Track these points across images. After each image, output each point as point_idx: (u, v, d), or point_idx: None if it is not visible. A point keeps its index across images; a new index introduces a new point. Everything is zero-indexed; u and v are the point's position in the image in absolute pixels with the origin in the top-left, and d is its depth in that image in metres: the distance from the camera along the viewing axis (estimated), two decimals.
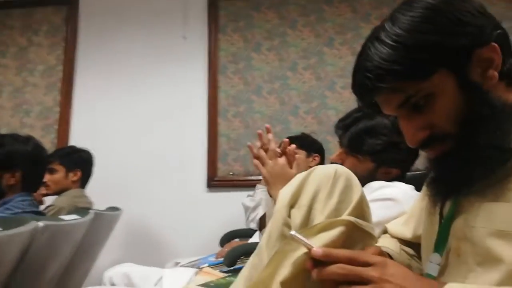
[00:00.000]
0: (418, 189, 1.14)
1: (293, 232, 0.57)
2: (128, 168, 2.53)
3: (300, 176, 0.80)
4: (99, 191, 2.19)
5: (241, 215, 2.18)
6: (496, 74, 0.59)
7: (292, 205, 0.77)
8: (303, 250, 0.64)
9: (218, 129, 2.52)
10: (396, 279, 0.52)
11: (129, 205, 2.32)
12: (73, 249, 1.33)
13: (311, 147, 2.00)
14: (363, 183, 1.02)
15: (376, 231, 0.86)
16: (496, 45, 0.59)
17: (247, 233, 2.02)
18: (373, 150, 1.15)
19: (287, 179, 1.00)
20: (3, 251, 0.84)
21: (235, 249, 1.42)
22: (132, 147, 2.55)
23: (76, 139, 2.47)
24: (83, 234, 1.39)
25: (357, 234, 0.70)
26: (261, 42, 2.58)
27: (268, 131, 1.16)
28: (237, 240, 2.01)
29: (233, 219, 2.33)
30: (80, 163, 2.04)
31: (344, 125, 1.21)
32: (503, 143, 0.56)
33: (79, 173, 2.03)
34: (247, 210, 2.11)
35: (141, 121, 2.58)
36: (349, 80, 2.29)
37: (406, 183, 1.15)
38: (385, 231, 0.94)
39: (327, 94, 2.51)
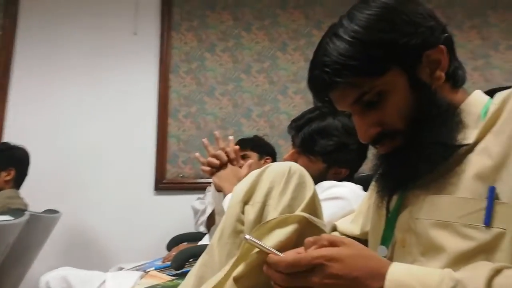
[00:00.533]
0: (365, 189, 1.18)
1: (247, 236, 0.56)
2: (69, 168, 2.38)
3: (254, 173, 0.79)
4: (36, 193, 2.03)
5: (190, 219, 2.13)
6: (443, 75, 0.63)
7: (246, 201, 0.77)
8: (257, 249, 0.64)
9: (168, 130, 2.45)
10: (339, 279, 0.52)
11: (70, 208, 2.19)
12: (4, 252, 1.22)
13: (263, 149, 2.01)
14: (314, 183, 1.05)
15: (327, 229, 0.88)
16: (443, 47, 0.62)
17: (196, 237, 1.97)
18: (325, 151, 1.18)
19: (238, 179, 1.00)
20: None
21: (183, 251, 1.38)
22: (74, 146, 2.40)
23: (11, 136, 2.28)
24: (17, 236, 1.28)
25: (310, 230, 0.71)
26: (215, 42, 2.56)
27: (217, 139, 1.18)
28: (185, 244, 1.96)
29: (181, 223, 2.27)
30: (14, 161, 1.89)
31: (297, 126, 1.24)
32: (447, 140, 0.59)
33: (12, 172, 1.87)
34: (197, 213, 2.07)
35: (86, 119, 2.45)
36: (301, 86, 2.35)
37: (354, 183, 1.19)
38: (334, 229, 0.96)
39: (279, 98, 2.54)
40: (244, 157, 1.92)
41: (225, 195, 1.09)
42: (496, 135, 0.56)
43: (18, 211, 1.35)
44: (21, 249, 1.41)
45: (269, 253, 0.57)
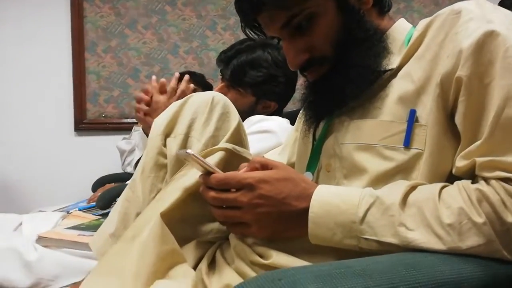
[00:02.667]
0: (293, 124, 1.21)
1: (189, 151, 0.54)
2: None
3: (175, 104, 0.75)
4: None
5: (116, 160, 2.04)
6: (370, 0, 0.62)
7: (167, 134, 0.73)
8: (189, 177, 0.63)
9: (86, 65, 2.24)
10: (267, 199, 0.54)
11: None
12: None
13: (206, 87, 1.95)
14: (243, 118, 1.05)
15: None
16: None
17: (123, 178, 1.90)
18: (254, 82, 1.18)
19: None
20: None
21: (110, 190, 1.33)
22: None
23: None
24: None
25: (235, 160, 0.70)
26: None
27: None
28: (112, 184, 1.89)
29: (106, 165, 2.16)
30: None
31: (226, 57, 1.21)
32: (372, 64, 0.60)
33: None
34: (123, 153, 1.99)
35: None
36: (230, 22, 2.25)
37: (283, 117, 1.22)
38: None
39: (208, 34, 2.42)
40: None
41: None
42: (418, 60, 0.58)
43: None
44: None
45: (208, 171, 0.57)
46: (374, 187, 0.54)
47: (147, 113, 1.11)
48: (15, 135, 2.17)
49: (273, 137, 1.09)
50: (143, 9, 2.32)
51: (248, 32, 0.69)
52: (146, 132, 1.18)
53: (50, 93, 2.22)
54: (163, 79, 1.14)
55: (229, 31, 2.43)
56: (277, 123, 1.15)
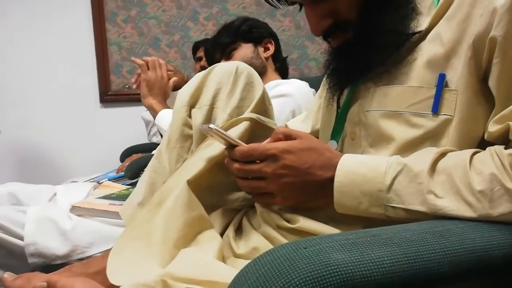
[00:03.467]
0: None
1: (212, 126, 0.54)
2: (9, 88, 2.17)
3: (200, 75, 0.75)
4: None
5: (142, 131, 2.07)
6: None
7: (192, 104, 0.73)
8: (213, 148, 0.64)
9: (107, 37, 2.24)
10: (291, 170, 0.54)
11: (13, 127, 2.06)
12: None
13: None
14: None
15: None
16: None
17: (149, 148, 1.94)
18: (242, 32, 1.33)
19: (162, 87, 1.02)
20: None
21: (137, 160, 1.36)
22: (11, 66, 2.18)
23: None
24: None
25: (260, 130, 0.70)
26: None
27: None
28: (139, 154, 1.93)
29: (133, 135, 2.21)
30: None
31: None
32: (399, 27, 0.57)
33: None
34: (148, 124, 2.02)
35: (17, 32, 2.18)
36: None
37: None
38: None
39: None
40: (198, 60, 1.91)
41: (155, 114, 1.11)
42: (448, 21, 0.55)
43: None
44: None
45: (232, 144, 0.57)
46: (401, 155, 0.53)
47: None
48: (44, 109, 2.23)
49: (290, 100, 1.09)
50: None
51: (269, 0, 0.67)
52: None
53: (74, 66, 2.25)
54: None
55: None
56: (294, 86, 1.15)
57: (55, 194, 1.15)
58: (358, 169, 0.52)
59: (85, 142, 2.27)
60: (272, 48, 1.38)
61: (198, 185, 0.63)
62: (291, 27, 2.40)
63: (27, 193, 1.13)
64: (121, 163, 1.83)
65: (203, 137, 0.70)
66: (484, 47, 0.49)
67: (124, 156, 1.94)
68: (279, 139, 0.57)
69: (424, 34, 0.57)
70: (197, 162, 0.65)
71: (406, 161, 0.51)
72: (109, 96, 2.29)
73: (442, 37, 0.54)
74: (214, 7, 2.34)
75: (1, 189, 1.15)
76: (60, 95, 2.25)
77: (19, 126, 2.18)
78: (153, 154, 1.55)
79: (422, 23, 0.57)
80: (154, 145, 1.91)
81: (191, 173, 0.64)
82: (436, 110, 0.53)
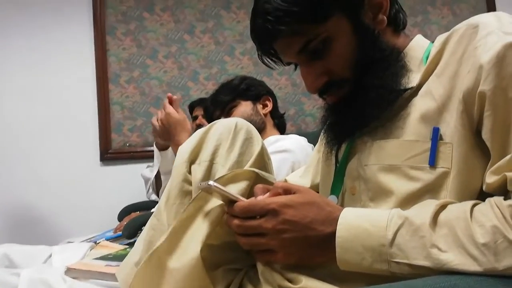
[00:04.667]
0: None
1: (211, 182, 0.54)
2: (8, 144, 2.20)
3: (200, 132, 0.76)
4: None
5: (141, 188, 2.06)
6: (385, 18, 0.62)
7: (192, 161, 0.74)
8: (216, 203, 0.63)
9: (110, 97, 2.31)
10: (292, 225, 0.53)
11: (12, 184, 2.05)
12: None
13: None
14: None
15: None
16: None
17: (148, 206, 1.92)
18: (241, 91, 1.38)
19: (182, 124, 1.01)
20: None
21: (135, 219, 1.34)
22: (10, 122, 2.22)
23: None
24: None
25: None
26: (154, 1, 2.40)
27: (170, 100, 1.19)
28: (137, 213, 1.91)
29: (132, 193, 2.20)
30: None
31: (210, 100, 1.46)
32: (391, 83, 0.59)
33: None
34: (147, 181, 2.00)
35: (20, 88, 2.24)
36: (247, 46, 2.39)
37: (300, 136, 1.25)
38: None
39: (226, 60, 2.47)
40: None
41: (176, 149, 1.09)
42: (438, 77, 0.57)
43: None
44: None
45: (231, 200, 0.57)
46: (402, 209, 0.53)
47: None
48: (43, 166, 2.23)
49: (290, 155, 1.10)
50: (163, 39, 2.39)
51: (265, 60, 0.70)
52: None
53: (76, 124, 2.28)
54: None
55: (247, 56, 2.48)
56: (293, 141, 1.16)
57: (50, 255, 1.11)
58: (359, 223, 0.51)
59: (84, 201, 2.25)
60: (270, 105, 1.42)
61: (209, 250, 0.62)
62: (288, 84, 2.49)
63: (22, 255, 1.09)
64: (119, 222, 1.81)
65: (202, 194, 0.70)
66: (474, 101, 0.51)
67: (122, 215, 1.91)
68: (279, 194, 0.57)
69: (415, 90, 0.59)
70: (201, 225, 0.64)
71: (407, 214, 0.50)
72: (110, 154, 2.31)
73: (433, 93, 0.56)
74: (213, 68, 2.44)
75: None
76: (62, 153, 2.26)
77: (16, 184, 2.17)
78: (151, 212, 1.55)
79: (412, 80, 0.60)
80: (153, 203, 1.89)
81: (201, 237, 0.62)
82: (433, 163, 0.54)
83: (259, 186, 0.60)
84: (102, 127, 2.29)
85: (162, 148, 1.41)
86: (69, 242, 1.63)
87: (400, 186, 0.56)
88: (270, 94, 1.46)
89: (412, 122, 0.57)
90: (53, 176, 2.23)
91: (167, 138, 1.08)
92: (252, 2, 2.34)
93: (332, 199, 0.66)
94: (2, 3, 2.25)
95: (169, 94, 1.14)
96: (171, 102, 1.13)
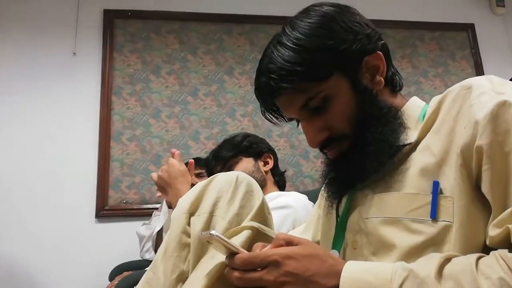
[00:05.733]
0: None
1: (213, 232, 0.53)
2: (1, 197, 2.17)
3: (200, 184, 0.77)
4: None
5: (135, 247, 2.00)
6: (382, 80, 0.66)
7: (192, 212, 0.74)
8: (219, 258, 0.62)
9: (110, 154, 2.33)
10: (294, 277, 0.52)
11: (2, 240, 1.99)
12: None
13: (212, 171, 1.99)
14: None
15: None
16: (381, 53, 0.66)
17: (141, 265, 1.85)
18: (240, 146, 1.39)
19: (185, 176, 1.01)
20: None
21: (126, 278, 1.30)
22: (5, 172, 2.21)
23: None
24: None
25: (260, 239, 0.69)
26: (161, 65, 2.52)
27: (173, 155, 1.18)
28: (129, 272, 1.83)
29: (126, 252, 2.13)
30: None
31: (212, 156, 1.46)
32: (390, 139, 0.61)
33: None
34: (142, 239, 1.95)
35: (20, 143, 2.27)
36: (248, 109, 2.48)
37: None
38: None
39: (227, 121, 2.54)
40: (199, 176, 1.93)
41: (175, 200, 1.06)
42: (435, 134, 0.59)
43: None
44: None
45: (232, 252, 0.55)
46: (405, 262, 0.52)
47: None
48: (36, 222, 2.18)
49: (291, 212, 1.09)
50: (167, 100, 2.48)
51: (268, 116, 0.72)
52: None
53: (74, 180, 2.27)
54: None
55: (247, 117, 2.55)
56: (294, 198, 1.16)
57: None
58: (363, 277, 0.50)
59: (76, 257, 2.17)
60: (271, 163, 1.43)
61: None
62: (286, 146, 2.53)
63: None
64: (109, 282, 1.73)
65: (201, 246, 0.69)
66: (472, 155, 0.53)
67: (114, 274, 1.84)
68: (280, 245, 0.56)
69: (414, 146, 0.61)
70: (196, 282, 0.62)
71: (411, 266, 0.50)
72: (105, 210, 2.27)
73: (431, 148, 0.58)
74: (214, 128, 2.50)
75: None
76: (58, 209, 2.22)
77: (8, 239, 2.10)
78: (144, 271, 1.49)
79: (411, 136, 0.62)
80: (146, 263, 1.83)
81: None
82: (434, 216, 0.54)
83: (258, 244, 0.59)
84: (100, 183, 2.28)
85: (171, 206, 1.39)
86: None
87: (403, 239, 0.55)
88: (271, 152, 1.48)
89: (412, 176, 0.58)
90: (46, 232, 2.18)
91: (168, 187, 1.07)
92: (254, 68, 2.48)
93: (334, 254, 0.64)
94: (17, 65, 2.36)
95: (173, 150, 1.15)
96: (173, 156, 1.14)
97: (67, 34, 2.44)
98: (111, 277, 1.83)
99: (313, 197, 1.15)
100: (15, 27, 2.40)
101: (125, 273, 1.68)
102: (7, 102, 2.31)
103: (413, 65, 2.79)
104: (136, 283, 1.27)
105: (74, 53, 2.42)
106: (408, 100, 0.70)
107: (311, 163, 2.52)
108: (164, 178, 1.06)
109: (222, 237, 0.54)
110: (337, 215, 0.68)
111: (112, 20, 2.51)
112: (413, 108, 0.67)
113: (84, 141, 2.32)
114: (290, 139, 2.54)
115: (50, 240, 2.17)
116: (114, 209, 2.28)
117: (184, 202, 0.74)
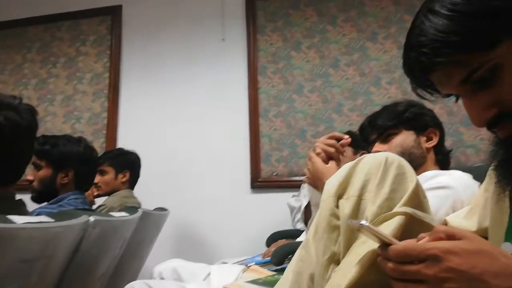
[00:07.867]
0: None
1: (364, 222, 0.51)
2: (174, 170, 2.58)
3: (347, 166, 0.76)
4: (147, 192, 2.26)
5: (287, 216, 2.14)
6: None
7: (340, 195, 0.73)
8: (371, 244, 0.60)
9: (260, 130, 2.50)
10: (458, 275, 0.46)
11: (176, 205, 2.38)
12: (123, 246, 1.36)
13: (358, 144, 1.93)
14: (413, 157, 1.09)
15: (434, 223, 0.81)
16: None
17: (293, 234, 1.98)
18: (403, 117, 1.23)
19: (324, 172, 0.98)
20: (55, 243, 0.86)
21: (283, 247, 1.39)
22: (177, 150, 2.60)
23: (124, 143, 2.55)
24: (132, 231, 1.42)
25: (415, 226, 0.65)
26: (301, 40, 2.54)
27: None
28: (283, 240, 1.98)
29: (278, 220, 2.30)
30: (128, 164, 2.11)
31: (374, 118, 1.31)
32: None
33: (127, 174, 2.10)
34: (293, 210, 2.08)
35: (184, 125, 2.63)
36: (395, 75, 2.28)
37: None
38: (444, 224, 0.87)
39: (372, 90, 2.42)
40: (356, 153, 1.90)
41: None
42: None
43: (133, 209, 1.49)
44: (135, 243, 1.57)
45: (384, 242, 0.53)
46: None
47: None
48: (202, 192, 2.53)
49: (450, 193, 0.96)
50: (308, 75, 2.50)
51: (419, 92, 0.66)
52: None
53: (231, 156, 2.53)
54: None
55: (394, 85, 2.38)
56: (455, 177, 1.02)
57: (209, 274, 1.25)
58: None
59: (235, 225, 2.44)
60: (435, 139, 1.25)
61: None
62: (443, 113, 2.28)
63: (187, 270, 1.26)
64: (267, 247, 1.90)
65: (350, 229, 0.69)
66: None
67: (270, 241, 2.01)
68: (440, 238, 0.51)
69: None
70: (351, 269, 0.62)
71: None
72: (259, 182, 2.47)
73: None
74: (358, 99, 2.42)
75: (168, 264, 1.31)
76: (217, 181, 2.53)
77: (181, 205, 2.49)
78: (297, 242, 1.58)
79: None
80: (298, 232, 1.94)
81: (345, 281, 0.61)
82: None
83: (423, 235, 0.54)
84: (253, 157, 2.48)
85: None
86: (223, 262, 1.79)
87: None
88: (437, 126, 1.27)
89: None
90: (211, 200, 2.51)
91: (316, 186, 1.07)
92: (400, 30, 2.27)
93: (506, 246, 0.57)
94: (176, 56, 2.71)
95: (344, 140, 1.06)
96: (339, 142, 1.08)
97: (215, 23, 2.66)
98: (268, 243, 2.00)
99: (479, 176, 1.01)
100: (170, 25, 2.74)
101: (280, 241, 1.81)
102: (171, 90, 2.68)
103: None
104: (290, 252, 1.36)
105: (223, 39, 2.63)
106: None
107: (474, 131, 2.23)
108: (309, 181, 1.05)
109: (373, 227, 0.52)
110: (510, 204, 0.59)
111: (253, 2, 2.62)
112: None
113: (237, 120, 2.55)
114: (447, 105, 2.29)
115: (215, 207, 2.49)
116: (266, 181, 2.47)
117: (331, 184, 0.75)
